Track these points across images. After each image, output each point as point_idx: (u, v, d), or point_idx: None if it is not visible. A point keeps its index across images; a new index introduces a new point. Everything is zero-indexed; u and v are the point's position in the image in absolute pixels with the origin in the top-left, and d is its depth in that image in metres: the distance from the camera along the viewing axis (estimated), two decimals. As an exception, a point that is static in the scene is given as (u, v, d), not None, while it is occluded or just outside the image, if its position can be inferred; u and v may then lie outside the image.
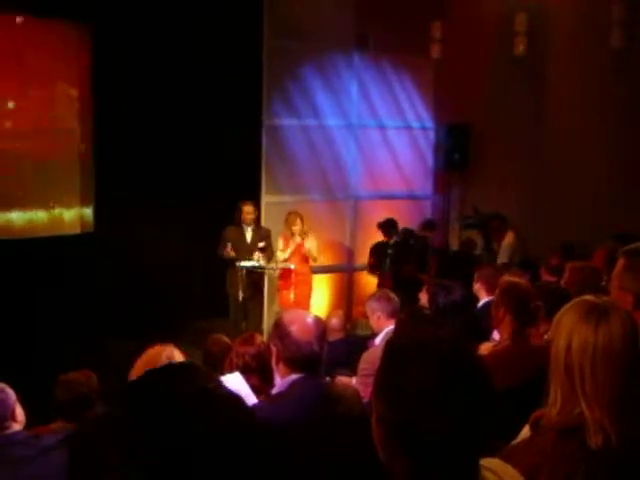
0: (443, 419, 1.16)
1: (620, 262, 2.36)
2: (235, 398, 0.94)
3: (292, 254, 7.32)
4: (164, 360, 2.66)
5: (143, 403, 0.88)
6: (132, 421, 0.87)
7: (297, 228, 7.29)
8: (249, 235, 7.42)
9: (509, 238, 8.10)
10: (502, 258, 7.98)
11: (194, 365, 0.99)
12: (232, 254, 7.24)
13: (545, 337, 3.38)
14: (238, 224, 7.41)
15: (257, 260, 7.13)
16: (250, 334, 3.74)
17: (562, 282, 4.34)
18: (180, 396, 0.89)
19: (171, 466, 0.84)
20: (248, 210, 7.39)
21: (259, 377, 3.23)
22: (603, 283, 4.01)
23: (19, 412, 3.24)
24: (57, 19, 7.88)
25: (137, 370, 2.88)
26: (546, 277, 5.44)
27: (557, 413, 1.73)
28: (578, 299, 1.84)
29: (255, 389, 3.08)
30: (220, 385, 0.94)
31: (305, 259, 7.39)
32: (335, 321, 5.76)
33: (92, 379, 3.52)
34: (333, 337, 5.35)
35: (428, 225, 8.80)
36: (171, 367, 1.02)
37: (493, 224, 8.30)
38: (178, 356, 2.70)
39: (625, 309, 1.85)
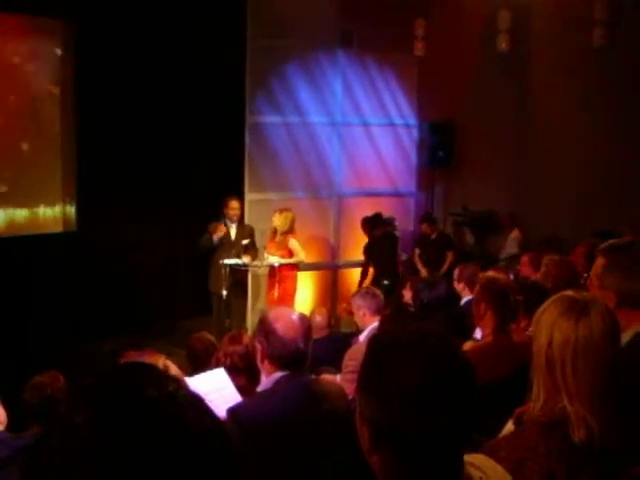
0: (427, 415, 1.16)
1: (599, 261, 2.36)
2: (197, 399, 0.92)
3: (277, 249, 7.31)
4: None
5: (108, 409, 0.85)
6: (97, 429, 0.84)
7: (275, 222, 7.31)
8: (233, 232, 7.42)
9: (515, 233, 8.18)
10: (510, 249, 8.03)
11: (150, 366, 0.96)
12: (221, 232, 7.20)
13: (527, 332, 3.40)
14: (223, 220, 7.41)
15: (243, 260, 7.14)
16: (238, 332, 3.70)
17: (539, 275, 4.36)
18: (146, 401, 0.86)
19: (142, 474, 0.82)
20: (234, 205, 7.40)
21: (246, 377, 3.21)
22: (582, 281, 4.04)
23: (0, 412, 3.21)
24: (40, 17, 7.80)
25: None
26: (525, 272, 5.48)
27: (540, 408, 1.74)
28: (559, 295, 1.85)
29: (242, 389, 3.07)
30: (180, 386, 0.91)
31: (290, 254, 7.38)
32: (319, 318, 5.76)
33: (58, 380, 3.45)
34: (317, 335, 5.34)
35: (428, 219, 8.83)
36: (129, 369, 0.97)
37: (503, 219, 8.33)
38: (172, 367, 2.59)
39: (605, 304, 1.87)
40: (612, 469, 1.67)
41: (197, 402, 0.91)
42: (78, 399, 0.90)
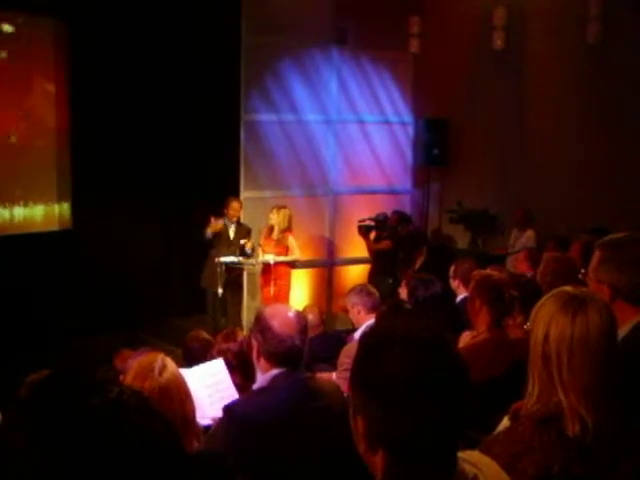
0: (420, 410, 1.16)
1: (596, 255, 2.39)
2: (144, 402, 0.88)
3: (274, 246, 7.31)
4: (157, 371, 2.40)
5: (46, 428, 0.81)
6: (37, 451, 0.79)
7: (273, 220, 7.30)
8: (232, 231, 7.44)
9: (530, 232, 7.95)
10: (523, 246, 7.86)
11: (89, 372, 0.93)
12: (216, 227, 7.19)
13: (525, 327, 3.41)
14: (222, 218, 7.43)
15: (239, 258, 7.14)
16: (232, 329, 3.70)
17: (538, 273, 4.38)
18: (87, 412, 0.82)
19: None
20: (236, 206, 7.45)
21: (241, 374, 3.20)
22: (580, 276, 4.05)
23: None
24: (34, 14, 7.78)
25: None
26: (521, 270, 5.49)
27: (535, 402, 1.75)
28: (557, 290, 1.86)
29: (237, 387, 3.06)
30: (123, 390, 0.87)
31: (287, 252, 7.38)
32: (311, 317, 5.74)
33: None
34: (310, 333, 5.33)
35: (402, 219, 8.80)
36: (66, 380, 0.91)
37: (517, 214, 8.08)
38: (170, 364, 2.48)
39: (603, 300, 1.87)
40: (606, 463, 1.67)
41: (144, 405, 0.87)
42: (14, 420, 0.84)
